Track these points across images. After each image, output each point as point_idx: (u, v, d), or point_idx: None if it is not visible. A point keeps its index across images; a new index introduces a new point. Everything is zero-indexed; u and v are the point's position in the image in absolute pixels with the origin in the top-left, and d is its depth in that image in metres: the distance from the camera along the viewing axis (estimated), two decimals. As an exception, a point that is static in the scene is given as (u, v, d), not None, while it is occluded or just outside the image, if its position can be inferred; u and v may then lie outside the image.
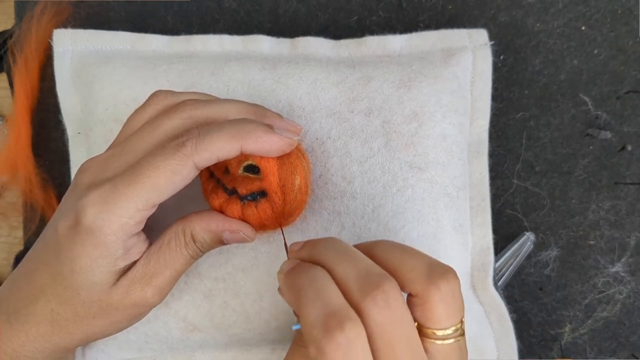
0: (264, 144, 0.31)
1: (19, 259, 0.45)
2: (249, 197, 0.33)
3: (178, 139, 0.30)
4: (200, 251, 0.34)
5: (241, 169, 0.33)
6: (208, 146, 0.30)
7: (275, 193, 0.33)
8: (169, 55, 0.42)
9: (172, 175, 0.30)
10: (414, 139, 0.38)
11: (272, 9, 0.45)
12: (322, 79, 0.39)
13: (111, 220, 0.29)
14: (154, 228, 0.33)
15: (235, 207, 0.33)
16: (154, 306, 0.33)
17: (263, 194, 0.33)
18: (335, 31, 0.45)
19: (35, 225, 0.45)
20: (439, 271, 0.28)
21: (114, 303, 0.32)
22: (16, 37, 0.44)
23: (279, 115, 0.35)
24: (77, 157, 0.43)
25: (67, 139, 0.43)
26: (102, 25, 0.44)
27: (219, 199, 0.34)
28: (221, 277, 0.38)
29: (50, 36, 0.42)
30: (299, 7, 0.45)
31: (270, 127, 0.31)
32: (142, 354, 0.40)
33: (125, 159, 0.31)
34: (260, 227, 0.34)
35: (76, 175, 0.33)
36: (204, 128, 0.31)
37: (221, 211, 0.34)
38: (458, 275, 0.39)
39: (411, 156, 0.38)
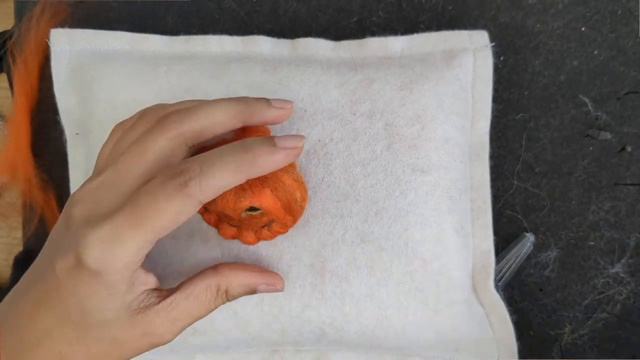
0: (270, 166, 0.30)
1: (18, 260, 0.45)
2: (261, 227, 0.35)
3: (179, 178, 0.29)
4: (228, 301, 0.34)
5: (243, 214, 0.33)
6: (213, 183, 0.29)
7: (284, 217, 0.34)
8: (169, 56, 0.42)
9: (177, 216, 0.29)
10: (416, 141, 0.38)
11: (272, 10, 0.45)
12: (324, 81, 0.39)
13: (114, 261, 0.29)
14: None
15: (250, 235, 0.35)
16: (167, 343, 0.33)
17: (272, 220, 0.34)
18: (336, 32, 0.44)
19: (34, 226, 0.45)
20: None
21: (130, 340, 0.31)
22: (16, 37, 0.44)
23: (266, 101, 0.33)
24: (76, 158, 0.43)
25: (66, 140, 0.43)
26: (102, 25, 0.44)
27: (230, 231, 0.35)
28: (222, 280, 0.38)
29: (48, 36, 0.42)
30: (299, 8, 0.45)
31: (272, 144, 0.31)
32: (142, 356, 0.40)
33: (118, 190, 0.30)
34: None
35: (67, 207, 0.32)
36: (205, 163, 0.29)
37: (234, 237, 0.35)
38: (460, 277, 0.39)
39: (414, 159, 0.38)
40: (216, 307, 0.33)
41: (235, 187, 0.31)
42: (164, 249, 0.38)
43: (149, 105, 0.39)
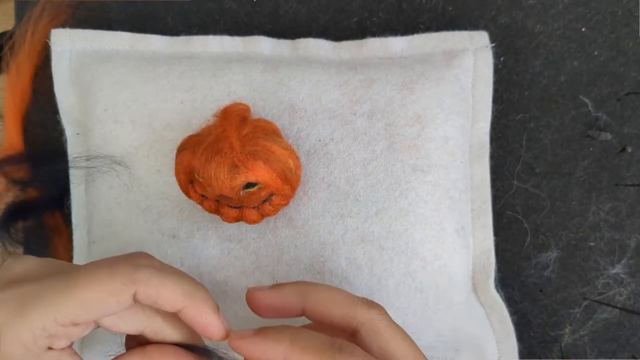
0: (203, 326, 0.28)
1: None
2: (262, 202, 0.35)
3: (134, 260, 0.27)
4: None
5: (241, 192, 0.33)
6: (159, 288, 0.26)
7: (282, 188, 0.34)
8: (169, 56, 0.42)
9: (108, 296, 0.26)
10: (416, 141, 0.38)
11: (273, 10, 0.45)
12: (325, 81, 0.39)
13: (20, 330, 0.25)
14: None
15: (253, 213, 0.35)
16: None
17: (272, 194, 0.34)
18: (336, 32, 0.44)
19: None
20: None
21: None
22: (14, 38, 0.44)
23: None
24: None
25: (66, 140, 0.43)
26: (102, 25, 0.44)
27: (233, 213, 0.35)
28: (222, 281, 0.38)
29: (48, 37, 0.42)
30: (299, 8, 0.45)
31: (217, 309, 0.29)
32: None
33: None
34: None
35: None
36: (164, 269, 0.28)
37: (238, 219, 0.35)
38: (460, 277, 0.39)
39: (414, 159, 0.38)
40: None
41: (228, 165, 0.31)
42: (163, 249, 0.38)
43: (149, 104, 0.39)
